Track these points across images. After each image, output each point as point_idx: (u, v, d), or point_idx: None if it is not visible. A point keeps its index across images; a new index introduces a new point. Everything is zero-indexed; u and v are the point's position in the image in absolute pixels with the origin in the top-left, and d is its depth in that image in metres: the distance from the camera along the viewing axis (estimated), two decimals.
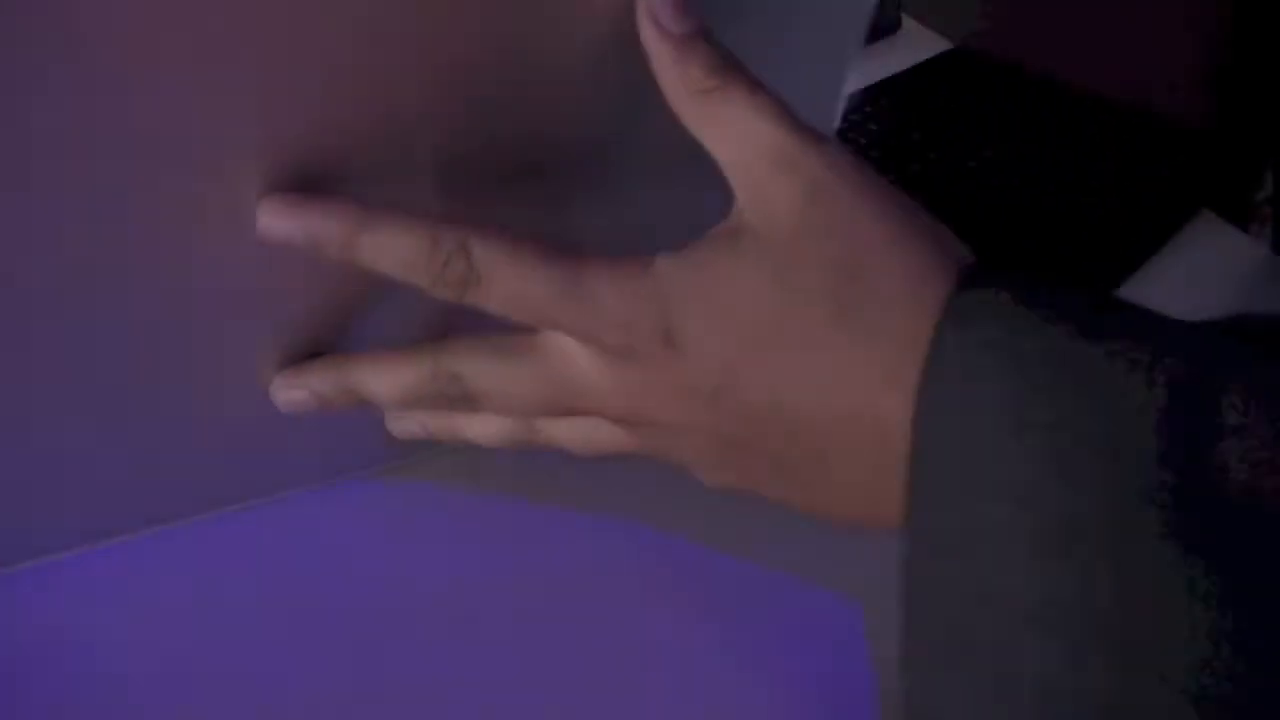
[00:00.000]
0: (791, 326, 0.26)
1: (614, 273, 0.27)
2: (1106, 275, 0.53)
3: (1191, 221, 0.57)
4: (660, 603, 0.35)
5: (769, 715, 0.32)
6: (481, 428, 0.32)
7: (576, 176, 0.33)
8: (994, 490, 0.24)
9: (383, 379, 0.31)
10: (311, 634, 0.33)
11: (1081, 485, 0.23)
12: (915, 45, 0.74)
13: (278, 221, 0.27)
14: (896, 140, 0.62)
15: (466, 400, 0.30)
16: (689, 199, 0.31)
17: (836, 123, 0.37)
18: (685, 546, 0.36)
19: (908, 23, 0.77)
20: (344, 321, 0.33)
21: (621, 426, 0.29)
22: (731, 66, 0.28)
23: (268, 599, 0.34)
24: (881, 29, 0.75)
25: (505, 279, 0.27)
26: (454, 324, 0.31)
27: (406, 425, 0.33)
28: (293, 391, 0.32)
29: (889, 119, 0.64)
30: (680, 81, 0.28)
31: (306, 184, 0.28)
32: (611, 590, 0.35)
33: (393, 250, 0.27)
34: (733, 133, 0.27)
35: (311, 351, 0.33)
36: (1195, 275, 0.54)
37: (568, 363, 0.28)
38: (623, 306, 0.27)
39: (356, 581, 0.35)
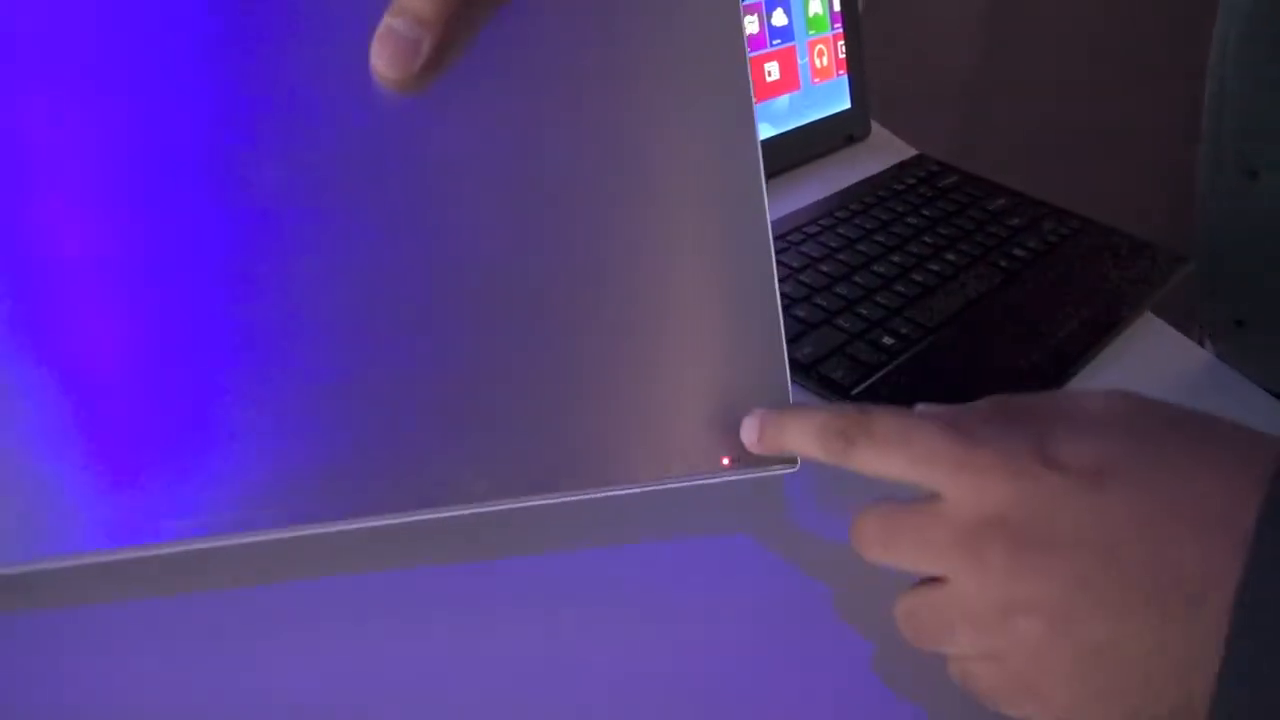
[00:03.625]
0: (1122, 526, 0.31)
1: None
2: (1054, 369, 0.57)
3: (1134, 323, 0.62)
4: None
5: None
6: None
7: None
8: None
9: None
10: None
11: None
12: (884, 151, 0.80)
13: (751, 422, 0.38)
14: (864, 244, 0.67)
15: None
16: None
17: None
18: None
19: (877, 130, 0.82)
20: None
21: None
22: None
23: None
24: (853, 136, 0.81)
25: (897, 433, 0.34)
26: None
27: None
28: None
29: (856, 223, 0.69)
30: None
31: None
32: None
33: (809, 425, 0.36)
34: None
35: None
36: (1134, 374, 0.58)
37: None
38: (1000, 438, 0.33)
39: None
